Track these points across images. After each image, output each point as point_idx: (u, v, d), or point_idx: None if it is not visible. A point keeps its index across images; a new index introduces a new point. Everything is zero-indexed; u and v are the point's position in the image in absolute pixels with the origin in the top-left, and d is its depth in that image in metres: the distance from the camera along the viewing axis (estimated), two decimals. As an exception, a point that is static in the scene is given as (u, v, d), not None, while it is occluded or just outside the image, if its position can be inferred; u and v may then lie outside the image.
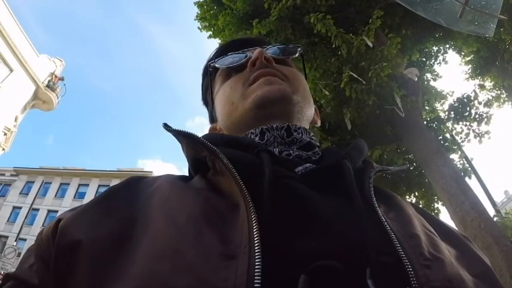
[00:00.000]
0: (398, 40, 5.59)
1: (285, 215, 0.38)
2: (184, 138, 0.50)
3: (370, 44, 5.26)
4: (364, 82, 5.23)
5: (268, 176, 0.41)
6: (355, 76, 5.24)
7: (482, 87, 8.76)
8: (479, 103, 6.92)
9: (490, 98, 7.23)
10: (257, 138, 0.58)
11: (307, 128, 0.65)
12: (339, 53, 5.64)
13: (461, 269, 0.39)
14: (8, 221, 27.53)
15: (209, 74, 0.73)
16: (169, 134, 0.53)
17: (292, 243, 0.35)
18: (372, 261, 0.33)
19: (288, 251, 0.34)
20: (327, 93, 5.68)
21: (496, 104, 8.54)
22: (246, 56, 0.67)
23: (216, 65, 0.70)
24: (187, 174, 0.60)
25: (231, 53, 0.70)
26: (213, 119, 0.75)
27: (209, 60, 0.74)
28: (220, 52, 0.73)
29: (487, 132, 6.92)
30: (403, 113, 5.39)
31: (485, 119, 6.83)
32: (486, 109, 6.97)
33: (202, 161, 0.50)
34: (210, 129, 0.74)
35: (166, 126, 0.52)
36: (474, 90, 7.13)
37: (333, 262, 0.32)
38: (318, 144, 0.62)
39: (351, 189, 0.42)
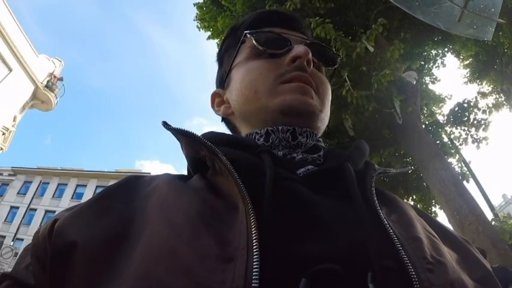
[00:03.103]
0: (401, 46, 5.60)
1: (285, 218, 0.38)
2: (184, 136, 0.50)
3: (371, 49, 5.27)
4: (363, 90, 5.23)
5: (269, 178, 0.40)
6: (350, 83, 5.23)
7: (483, 95, 8.78)
8: (478, 109, 6.92)
9: (490, 105, 7.23)
10: (262, 139, 0.57)
11: (319, 133, 0.62)
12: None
13: (462, 273, 0.39)
14: (5, 220, 27.49)
15: (239, 41, 0.65)
16: (168, 135, 0.52)
17: (292, 246, 0.34)
18: (374, 264, 0.32)
19: (288, 254, 0.33)
20: None
21: (494, 110, 8.55)
22: (288, 44, 0.61)
23: (253, 41, 0.62)
24: (185, 174, 0.59)
25: (271, 30, 0.64)
26: (221, 83, 0.71)
27: (245, 26, 0.67)
28: (260, 22, 0.67)
29: (485, 138, 6.92)
30: (401, 119, 5.40)
31: (483, 126, 6.83)
32: (485, 116, 6.97)
33: (201, 160, 0.49)
34: (215, 94, 0.71)
35: (165, 125, 0.51)
36: (476, 97, 7.11)
37: (334, 265, 0.31)
38: (324, 145, 0.60)
39: (353, 191, 0.42)
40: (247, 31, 0.64)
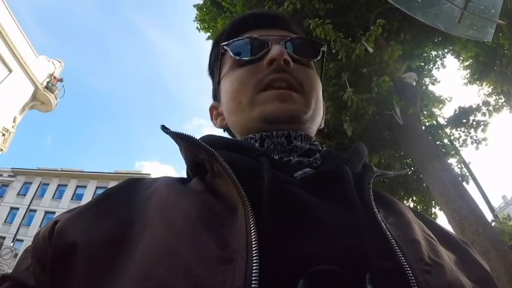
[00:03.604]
0: (399, 47, 5.60)
1: (284, 220, 0.38)
2: (182, 140, 0.50)
3: (371, 50, 5.27)
4: (364, 93, 5.22)
5: (267, 180, 0.40)
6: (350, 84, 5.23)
7: (486, 102, 8.75)
8: (478, 111, 6.91)
9: (490, 107, 7.21)
10: (257, 144, 0.57)
11: (313, 133, 0.62)
12: (338, 57, 5.64)
13: (460, 275, 0.39)
14: (5, 221, 27.44)
15: (220, 53, 0.66)
16: (168, 136, 0.52)
17: (291, 247, 0.35)
18: (372, 266, 0.33)
19: (287, 256, 0.34)
20: None
21: (494, 111, 8.50)
22: (265, 46, 0.60)
23: (231, 54, 0.62)
24: (185, 176, 0.60)
25: (249, 36, 0.63)
26: (215, 96, 0.72)
27: (225, 36, 0.67)
28: (239, 28, 0.67)
29: (484, 139, 6.91)
30: (402, 120, 5.39)
31: (482, 127, 6.82)
32: (484, 117, 6.95)
33: (200, 163, 0.50)
34: (212, 107, 0.72)
35: (164, 129, 0.51)
36: (479, 103, 7.06)
37: (332, 267, 0.32)
38: (320, 148, 0.60)
39: (350, 194, 0.42)
40: (224, 43, 0.64)
